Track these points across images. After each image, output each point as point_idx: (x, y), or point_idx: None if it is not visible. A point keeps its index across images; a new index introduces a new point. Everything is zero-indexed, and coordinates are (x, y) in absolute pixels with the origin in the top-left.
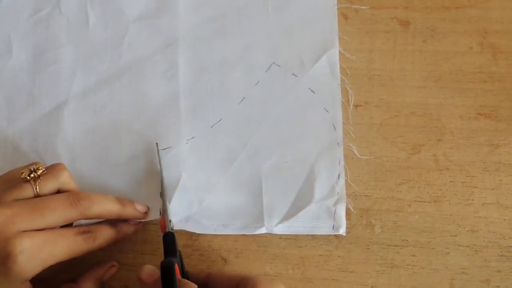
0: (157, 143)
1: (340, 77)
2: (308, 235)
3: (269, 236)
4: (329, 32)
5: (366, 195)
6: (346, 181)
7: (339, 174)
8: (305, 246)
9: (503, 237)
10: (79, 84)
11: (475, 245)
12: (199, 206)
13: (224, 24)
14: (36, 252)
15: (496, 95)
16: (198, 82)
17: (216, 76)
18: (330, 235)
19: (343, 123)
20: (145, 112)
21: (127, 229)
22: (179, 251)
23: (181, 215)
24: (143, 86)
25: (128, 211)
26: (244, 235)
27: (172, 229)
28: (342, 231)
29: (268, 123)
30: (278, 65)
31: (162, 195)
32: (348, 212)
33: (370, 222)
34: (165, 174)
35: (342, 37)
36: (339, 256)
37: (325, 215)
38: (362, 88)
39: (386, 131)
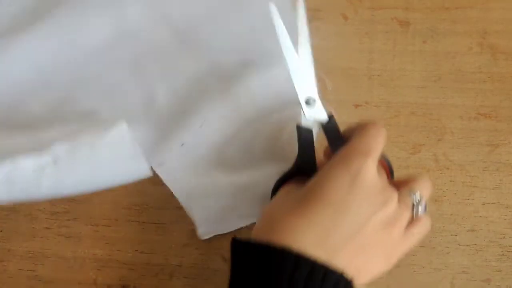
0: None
1: (341, 77)
2: None
3: None
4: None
5: None
6: None
7: None
8: None
9: (504, 237)
10: None
11: (475, 244)
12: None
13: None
14: None
15: (496, 95)
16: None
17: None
18: None
19: (344, 122)
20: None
21: None
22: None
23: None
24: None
25: None
26: (244, 234)
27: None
28: None
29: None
30: (252, 63)
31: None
32: None
33: None
34: (164, 188)
35: (342, 37)
36: None
37: None
38: (362, 88)
39: (386, 130)
